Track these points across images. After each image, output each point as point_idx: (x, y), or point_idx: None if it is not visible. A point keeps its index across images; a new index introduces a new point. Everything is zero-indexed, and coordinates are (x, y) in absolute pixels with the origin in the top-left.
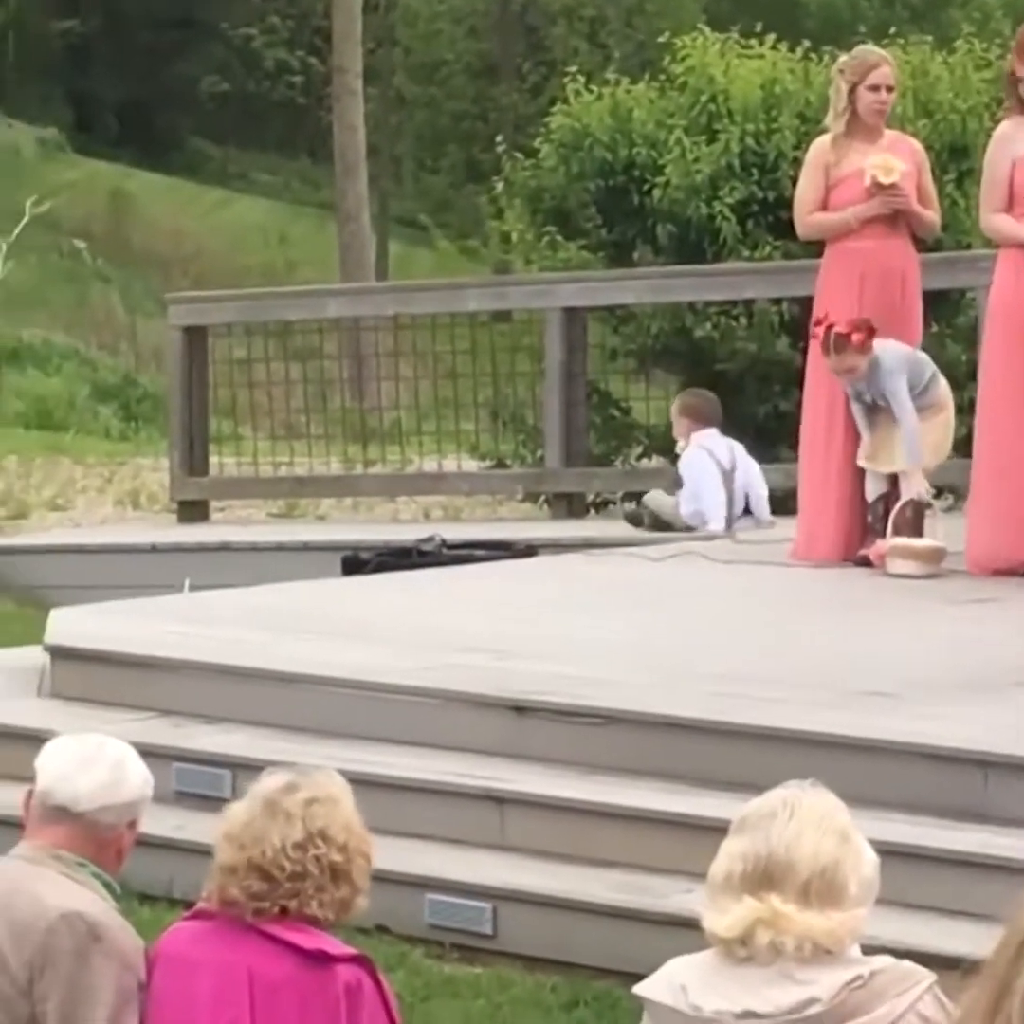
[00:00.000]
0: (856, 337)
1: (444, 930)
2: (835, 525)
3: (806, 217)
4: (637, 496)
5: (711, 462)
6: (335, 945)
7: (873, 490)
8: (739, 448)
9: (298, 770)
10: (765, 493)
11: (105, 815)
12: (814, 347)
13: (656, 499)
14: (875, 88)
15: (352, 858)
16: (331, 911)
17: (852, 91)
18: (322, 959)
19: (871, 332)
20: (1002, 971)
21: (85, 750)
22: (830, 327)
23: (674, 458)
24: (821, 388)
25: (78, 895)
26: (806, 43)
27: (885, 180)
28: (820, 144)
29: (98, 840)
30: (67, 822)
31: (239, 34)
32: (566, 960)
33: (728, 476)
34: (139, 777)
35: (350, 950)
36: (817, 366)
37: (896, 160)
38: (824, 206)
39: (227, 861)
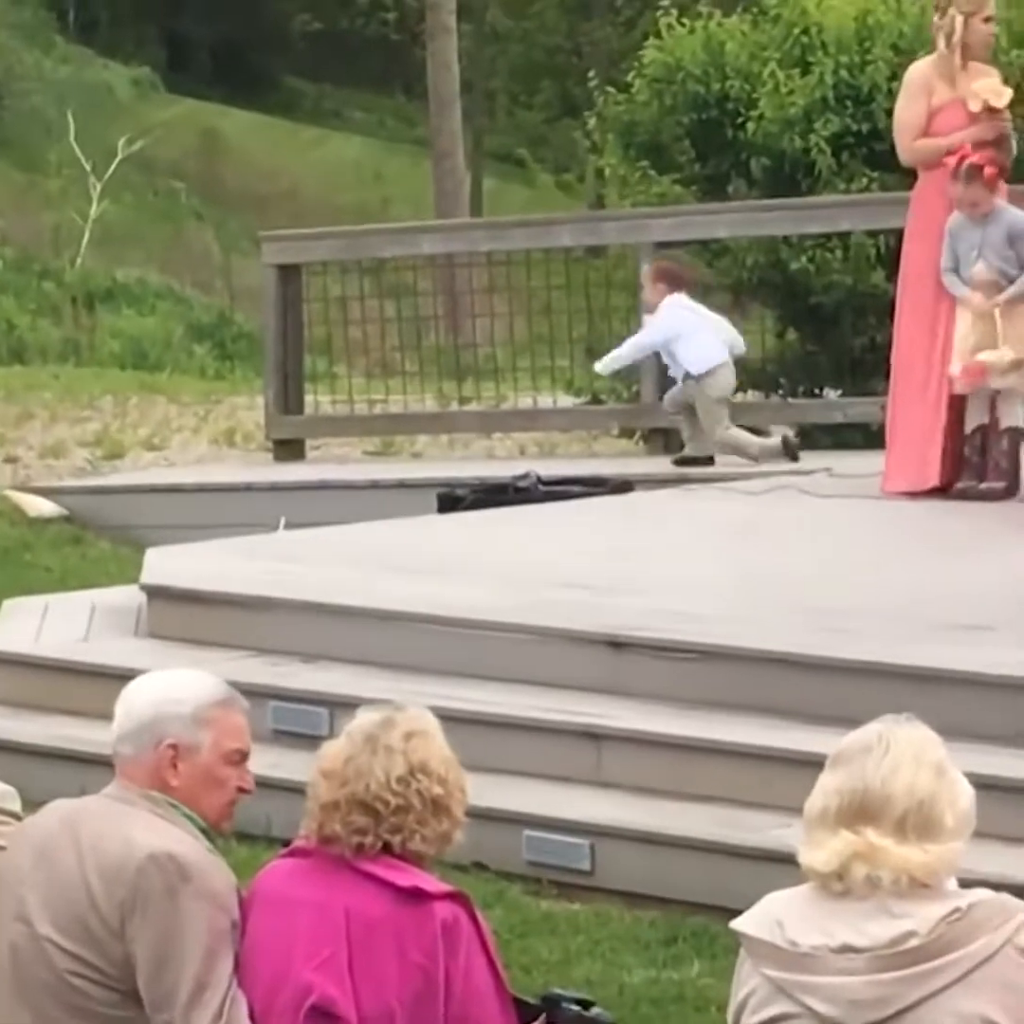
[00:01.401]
0: (989, 170)
1: (542, 867)
2: (933, 456)
3: (910, 142)
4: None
5: (685, 311)
6: (432, 882)
7: (972, 421)
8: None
9: (391, 706)
10: (735, 332)
11: (125, 746)
12: (905, 276)
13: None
14: (988, 19)
15: (451, 791)
16: (432, 846)
17: (964, 22)
18: (419, 896)
19: (1005, 171)
20: None
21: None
22: (964, 157)
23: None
24: (919, 316)
25: (168, 835)
26: None
27: (997, 103)
28: (921, 70)
29: (144, 771)
30: (118, 763)
31: None
32: (664, 896)
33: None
34: (148, 698)
35: (447, 887)
36: (911, 295)
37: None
38: (924, 133)
39: (328, 797)
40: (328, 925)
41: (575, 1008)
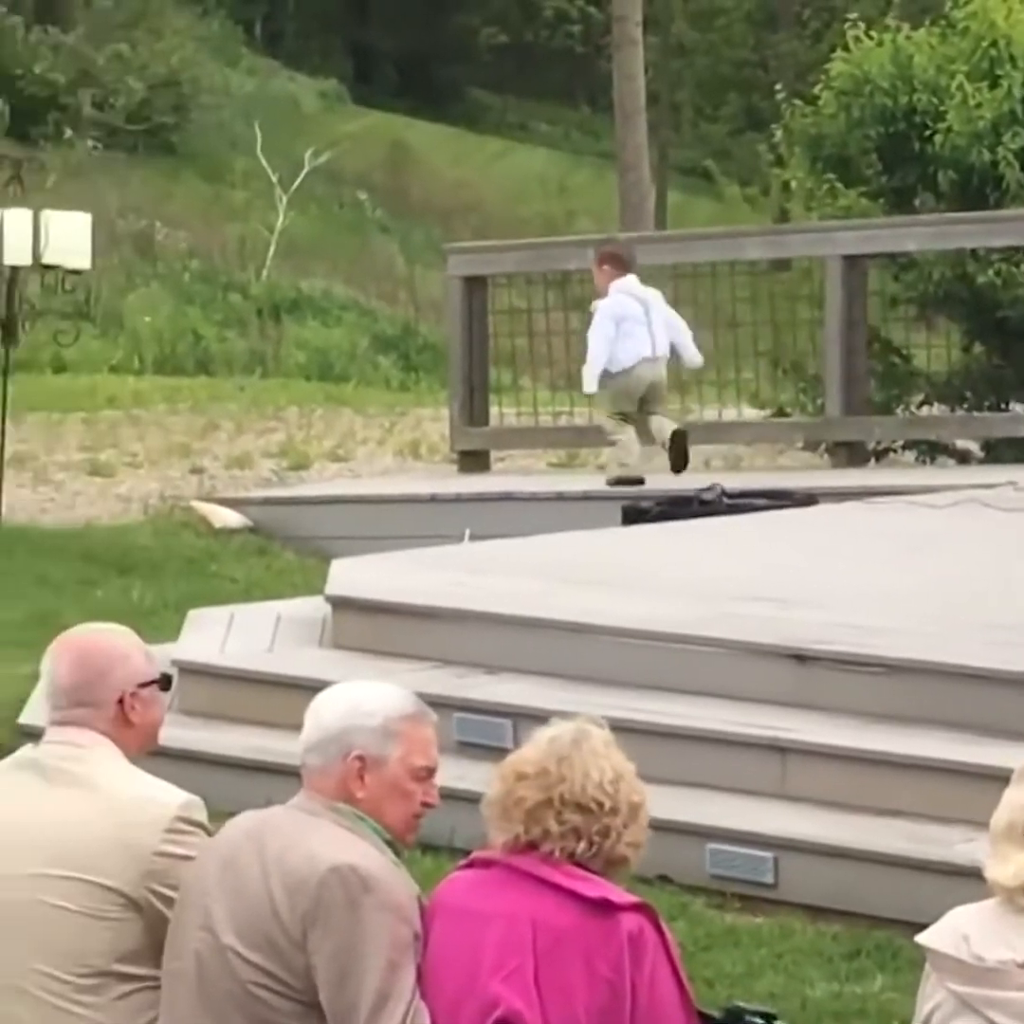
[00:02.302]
0: None
1: (726, 880)
2: None
3: None
4: None
5: (627, 297)
6: (618, 893)
7: None
8: (656, 293)
9: (574, 718)
10: (688, 337)
11: (313, 757)
12: None
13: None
14: None
15: (644, 800)
16: (632, 852)
17: None
18: (606, 907)
19: None
20: None
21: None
22: None
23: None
24: None
25: (351, 847)
26: None
27: None
28: None
29: (331, 783)
30: (305, 774)
31: None
32: (848, 909)
33: (647, 313)
34: (338, 710)
35: (633, 898)
36: None
37: None
38: None
39: (539, 797)
40: (515, 936)
41: (759, 1021)
